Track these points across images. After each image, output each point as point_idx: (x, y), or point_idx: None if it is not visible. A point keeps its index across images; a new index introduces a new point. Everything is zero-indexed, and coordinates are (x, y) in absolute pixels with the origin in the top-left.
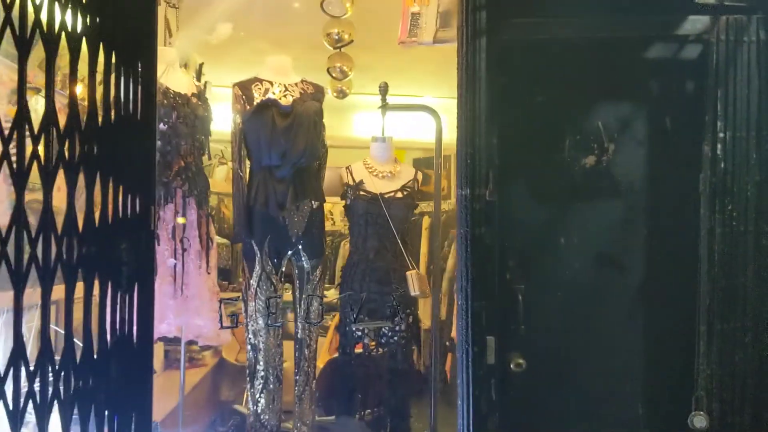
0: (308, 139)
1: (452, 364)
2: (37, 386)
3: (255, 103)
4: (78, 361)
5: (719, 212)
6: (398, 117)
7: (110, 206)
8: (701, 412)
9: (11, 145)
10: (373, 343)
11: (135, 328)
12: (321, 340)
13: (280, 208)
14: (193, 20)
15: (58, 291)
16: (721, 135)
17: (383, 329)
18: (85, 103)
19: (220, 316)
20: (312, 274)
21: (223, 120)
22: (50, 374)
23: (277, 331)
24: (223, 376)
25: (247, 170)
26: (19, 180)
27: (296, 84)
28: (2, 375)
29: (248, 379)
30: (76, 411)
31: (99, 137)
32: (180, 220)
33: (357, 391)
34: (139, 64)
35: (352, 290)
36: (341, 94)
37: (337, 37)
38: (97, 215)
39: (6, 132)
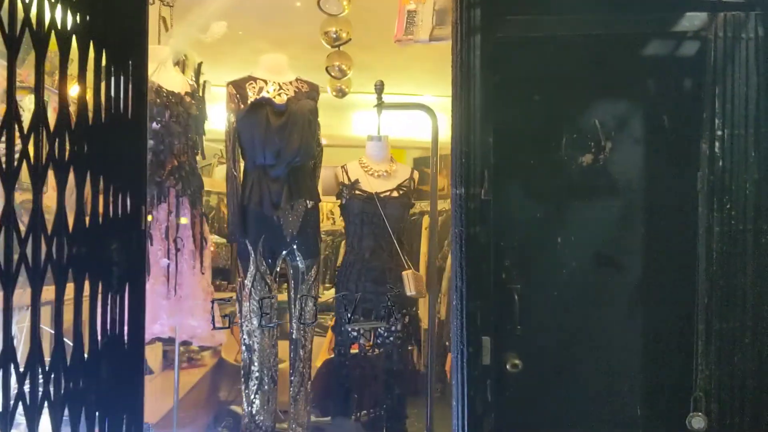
0: (303, 138)
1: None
2: (27, 388)
3: (249, 102)
4: (68, 362)
5: (718, 211)
6: (399, 116)
7: (101, 206)
8: (699, 413)
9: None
10: (369, 344)
11: (126, 328)
12: (321, 340)
13: (275, 207)
14: (188, 18)
15: (52, 292)
16: (719, 133)
17: (379, 329)
18: (76, 101)
19: (213, 316)
20: (307, 274)
21: (221, 119)
22: (40, 375)
23: (272, 331)
24: (222, 377)
25: (242, 169)
26: (9, 179)
27: (291, 82)
28: None
29: (243, 379)
30: (66, 413)
31: (89, 136)
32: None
33: (353, 392)
34: (130, 63)
35: (347, 290)
36: (340, 93)
37: (335, 35)
38: (87, 215)
39: None
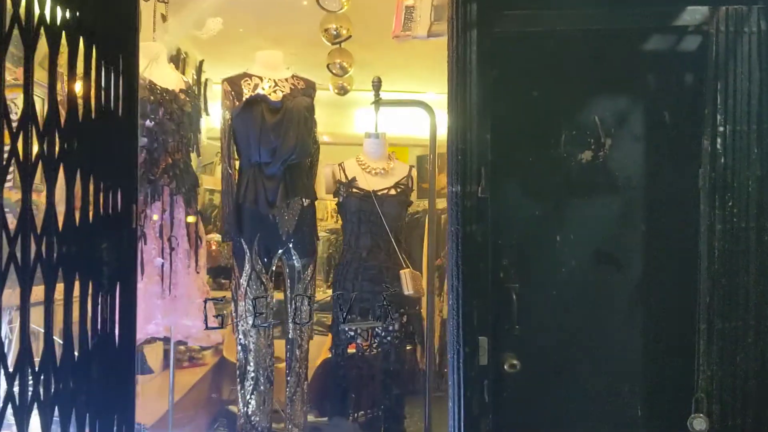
0: (299, 135)
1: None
2: (16, 388)
3: (244, 99)
4: (58, 362)
5: (719, 208)
6: (401, 114)
7: (91, 204)
8: (701, 415)
9: None
10: (367, 344)
11: (117, 328)
12: (323, 339)
13: (270, 205)
14: (184, 14)
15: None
16: (721, 129)
17: (377, 329)
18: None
19: (205, 316)
20: (303, 273)
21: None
22: (30, 376)
23: (267, 331)
24: (223, 376)
25: (237, 167)
26: None
27: (286, 79)
28: None
29: (239, 380)
30: (56, 414)
31: (79, 133)
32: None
33: (350, 392)
34: (121, 59)
35: (344, 289)
36: (342, 91)
37: (335, 32)
38: (77, 213)
39: None
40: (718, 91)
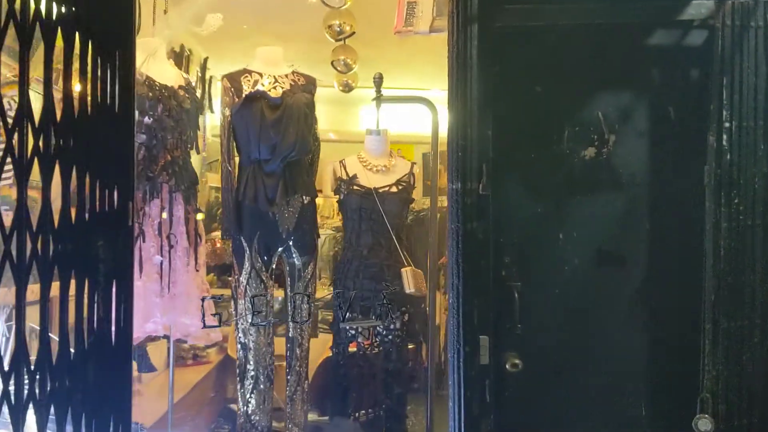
0: (299, 132)
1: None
2: (12, 387)
3: (243, 95)
4: (54, 361)
5: (725, 205)
6: (407, 111)
7: (87, 201)
8: (706, 415)
9: None
10: (368, 342)
11: (113, 327)
12: (328, 336)
13: (270, 203)
14: (184, 7)
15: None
16: (727, 125)
17: (378, 328)
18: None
19: (203, 314)
20: (303, 271)
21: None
22: (25, 375)
23: (267, 329)
24: (227, 374)
25: (237, 164)
26: None
27: (287, 75)
28: None
29: (238, 378)
30: (52, 413)
31: (75, 130)
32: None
33: (351, 391)
34: (117, 54)
35: (345, 287)
36: (347, 88)
37: (338, 28)
38: (73, 211)
39: None
40: (724, 86)
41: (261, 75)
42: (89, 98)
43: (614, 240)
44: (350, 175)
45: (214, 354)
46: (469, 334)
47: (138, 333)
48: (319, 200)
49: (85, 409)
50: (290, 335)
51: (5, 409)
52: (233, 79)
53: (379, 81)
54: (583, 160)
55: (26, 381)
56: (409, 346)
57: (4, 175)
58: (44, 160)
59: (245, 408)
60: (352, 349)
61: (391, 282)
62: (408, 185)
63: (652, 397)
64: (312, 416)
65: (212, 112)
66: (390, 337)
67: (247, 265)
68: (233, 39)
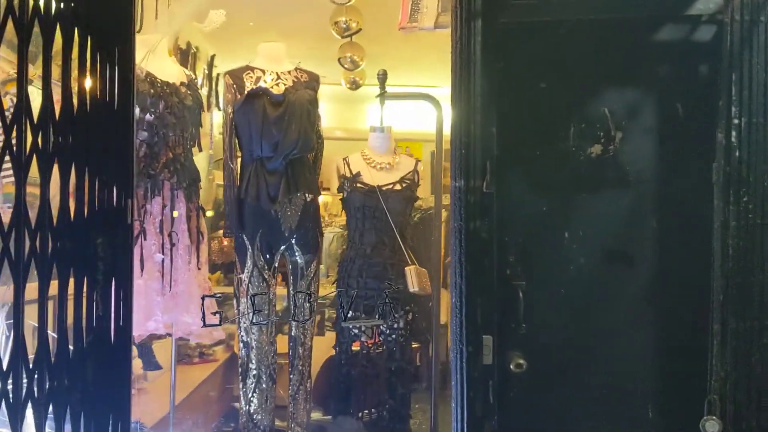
0: (301, 129)
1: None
2: (10, 386)
3: (246, 92)
4: (53, 359)
5: (734, 204)
6: (415, 108)
7: (86, 199)
8: (714, 417)
9: None
10: (371, 341)
11: (113, 325)
12: (333, 335)
13: (272, 201)
14: (187, 4)
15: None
16: (736, 121)
17: (381, 327)
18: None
19: (203, 313)
20: (306, 269)
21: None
22: (24, 373)
23: (270, 328)
24: (234, 373)
25: (239, 162)
26: None
27: (289, 72)
28: None
29: (241, 377)
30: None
31: (74, 127)
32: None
33: (354, 391)
34: (117, 50)
35: (348, 286)
36: (354, 85)
37: (344, 25)
38: (72, 208)
39: None
40: (733, 82)
41: (263, 72)
42: (88, 95)
43: (621, 238)
44: (353, 173)
45: (221, 352)
46: (472, 334)
47: (139, 331)
48: (327, 198)
49: (84, 407)
50: (293, 334)
51: (4, 408)
52: (235, 76)
53: (383, 77)
54: (589, 158)
55: (25, 379)
56: (414, 346)
57: (6, 173)
58: (43, 158)
59: (247, 407)
60: (356, 348)
61: (395, 281)
62: (412, 183)
63: (658, 398)
64: (316, 415)
65: (219, 109)
66: (394, 336)
67: (249, 263)
68: (240, 36)
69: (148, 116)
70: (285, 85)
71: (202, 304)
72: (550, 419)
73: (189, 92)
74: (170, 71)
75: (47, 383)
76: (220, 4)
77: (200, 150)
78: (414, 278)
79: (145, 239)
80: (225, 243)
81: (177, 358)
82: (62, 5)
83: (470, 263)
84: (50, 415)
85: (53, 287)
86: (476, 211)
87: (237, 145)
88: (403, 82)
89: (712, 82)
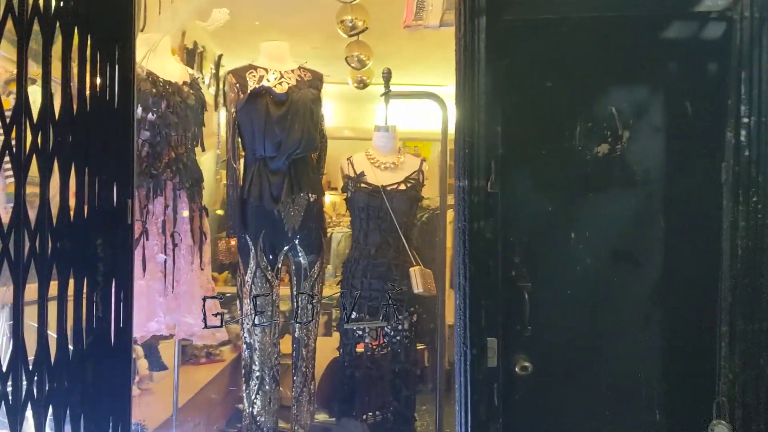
0: (304, 129)
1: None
2: (9, 388)
3: (248, 91)
4: (53, 361)
5: (743, 204)
6: (424, 108)
7: (86, 199)
8: (723, 421)
9: None
10: (375, 343)
11: (113, 327)
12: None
13: (275, 201)
14: (191, 2)
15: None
16: (746, 120)
17: (386, 329)
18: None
19: (204, 314)
20: (310, 270)
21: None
22: (23, 375)
23: (273, 329)
24: (240, 374)
25: (242, 161)
26: None
27: (293, 71)
28: None
29: (244, 379)
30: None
31: (74, 126)
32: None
33: (358, 393)
34: (117, 49)
35: (352, 287)
36: (361, 84)
37: (350, 24)
38: (72, 208)
39: None
40: (743, 80)
41: (266, 71)
42: (88, 94)
43: (628, 239)
44: (357, 173)
45: (228, 352)
46: (476, 336)
47: (141, 332)
48: (335, 197)
49: (84, 409)
50: (296, 336)
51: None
52: (238, 75)
53: (387, 76)
54: (595, 157)
55: (24, 381)
56: (419, 347)
57: (9, 173)
58: (43, 157)
59: (251, 409)
60: (360, 349)
61: (399, 282)
62: (417, 183)
63: (666, 401)
64: (320, 417)
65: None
66: (398, 337)
67: (252, 264)
68: (247, 35)
69: (150, 115)
70: (288, 84)
71: (203, 306)
72: (555, 422)
73: (191, 91)
74: (173, 70)
75: (47, 385)
76: (224, 3)
77: (203, 150)
78: (418, 279)
79: (147, 240)
80: (233, 243)
81: (184, 358)
82: (62, 3)
83: (474, 264)
84: (50, 417)
85: (53, 288)
86: (480, 211)
87: (240, 145)
88: (410, 80)
89: (721, 80)
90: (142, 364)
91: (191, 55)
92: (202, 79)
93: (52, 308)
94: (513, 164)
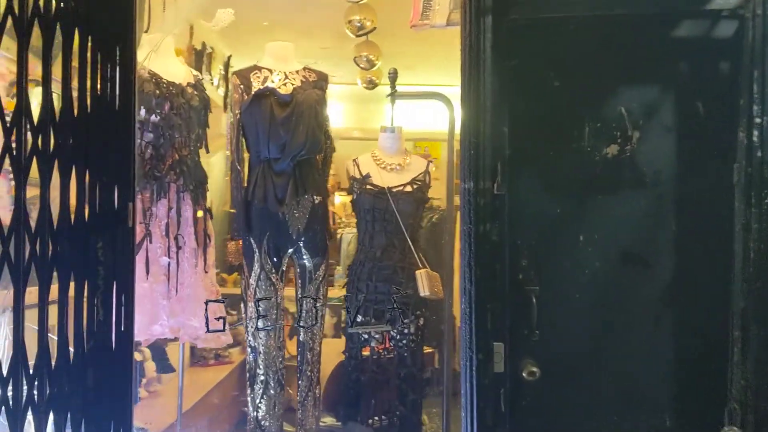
0: (309, 130)
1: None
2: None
3: (253, 93)
4: (53, 366)
5: (755, 205)
6: (434, 108)
7: (86, 201)
8: (735, 427)
9: None
10: (381, 346)
11: (114, 331)
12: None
13: (280, 203)
14: (197, 2)
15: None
16: (758, 120)
17: (392, 332)
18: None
19: (206, 318)
20: (314, 273)
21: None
22: (24, 379)
23: (277, 333)
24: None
25: (246, 163)
26: None
27: (297, 71)
28: None
29: (248, 383)
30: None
31: (74, 128)
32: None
33: (364, 397)
34: (117, 50)
35: (358, 290)
36: (371, 85)
37: (358, 24)
38: (72, 211)
39: None
40: (755, 79)
41: (271, 71)
42: (89, 95)
43: (638, 242)
44: (363, 174)
45: (237, 354)
46: (482, 341)
47: (144, 335)
48: (345, 198)
49: (85, 414)
50: (301, 339)
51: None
52: (242, 76)
53: (393, 76)
54: (605, 158)
55: (25, 386)
56: (428, 350)
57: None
58: (43, 159)
59: (255, 413)
60: (366, 353)
61: (405, 285)
62: (423, 184)
63: (676, 406)
64: (328, 420)
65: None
66: (404, 341)
67: (256, 266)
68: (255, 35)
69: (153, 117)
70: (293, 85)
71: (206, 309)
72: (563, 428)
73: (195, 93)
74: (176, 71)
75: (48, 389)
76: (230, 3)
77: (207, 151)
78: (425, 282)
79: (150, 242)
80: (242, 244)
81: (192, 360)
82: (62, 4)
83: (480, 267)
84: (51, 421)
85: (53, 291)
86: (487, 213)
87: (244, 147)
88: (418, 80)
89: (733, 80)
90: (149, 367)
91: (199, 56)
92: (211, 80)
93: (53, 312)
94: (520, 165)
